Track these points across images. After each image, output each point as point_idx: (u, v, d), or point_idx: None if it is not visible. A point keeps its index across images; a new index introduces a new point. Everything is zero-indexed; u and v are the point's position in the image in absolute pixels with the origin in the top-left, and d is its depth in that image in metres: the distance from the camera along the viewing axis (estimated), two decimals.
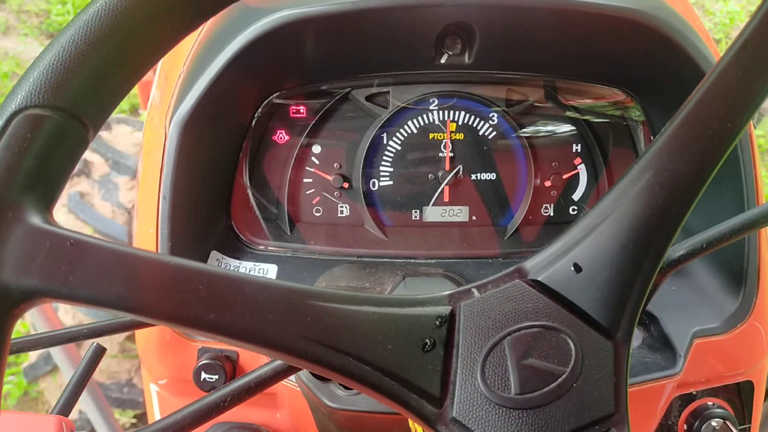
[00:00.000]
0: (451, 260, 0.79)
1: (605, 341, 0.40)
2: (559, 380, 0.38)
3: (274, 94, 0.79)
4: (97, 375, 1.68)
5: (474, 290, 0.41)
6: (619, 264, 0.40)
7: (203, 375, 0.67)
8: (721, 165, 0.70)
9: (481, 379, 0.38)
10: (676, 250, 0.59)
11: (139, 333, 0.73)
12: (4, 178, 0.32)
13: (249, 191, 0.81)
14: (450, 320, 0.39)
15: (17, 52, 3.12)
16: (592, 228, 0.41)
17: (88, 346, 1.56)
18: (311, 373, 0.61)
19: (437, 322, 0.39)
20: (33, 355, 1.75)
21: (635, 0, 0.71)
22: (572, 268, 0.41)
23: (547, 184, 0.83)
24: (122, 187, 1.72)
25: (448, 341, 0.39)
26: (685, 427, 0.69)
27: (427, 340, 0.38)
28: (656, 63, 0.72)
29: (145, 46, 0.37)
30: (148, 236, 0.70)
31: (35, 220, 0.32)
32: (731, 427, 0.68)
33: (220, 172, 0.78)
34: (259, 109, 0.79)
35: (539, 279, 0.41)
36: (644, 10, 0.67)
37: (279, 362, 0.50)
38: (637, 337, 0.71)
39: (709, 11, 3.47)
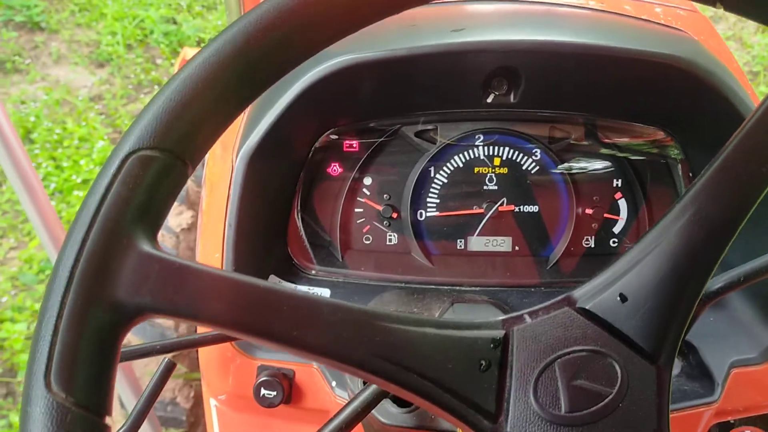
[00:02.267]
0: (495, 288, 0.83)
1: (649, 365, 0.42)
2: (606, 400, 0.41)
3: (330, 130, 0.85)
4: None
5: (526, 316, 0.45)
6: (662, 295, 0.42)
7: (263, 391, 0.72)
8: (761, 205, 0.73)
9: (533, 398, 0.41)
10: (715, 282, 0.62)
11: (203, 352, 0.78)
12: (120, 210, 0.37)
13: (306, 219, 0.86)
14: (504, 343, 0.43)
15: (68, 81, 3.26)
16: (636, 261, 0.44)
17: (137, 367, 1.62)
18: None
19: (492, 345, 0.42)
20: None
21: (674, 45, 0.75)
22: (618, 298, 0.43)
23: (588, 217, 0.87)
24: (172, 213, 1.79)
25: (503, 362, 0.42)
26: None
27: (483, 361, 0.42)
28: (694, 105, 0.75)
29: (235, 96, 0.42)
30: (214, 260, 0.75)
31: (146, 246, 0.37)
32: None
33: (279, 201, 0.83)
34: (316, 144, 0.85)
35: (587, 307, 0.44)
36: (682, 56, 0.71)
37: (367, 393, 0.53)
38: (677, 365, 0.73)
39: (747, 44, 3.47)
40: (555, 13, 0.84)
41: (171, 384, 1.84)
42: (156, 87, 3.21)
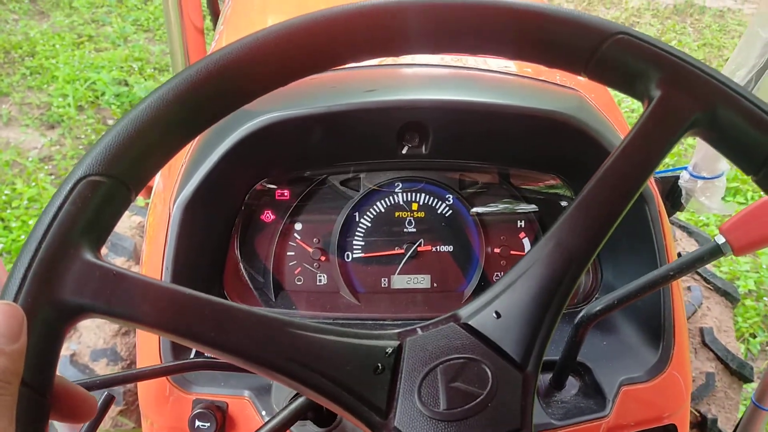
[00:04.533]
0: (416, 322, 0.90)
1: (516, 372, 0.49)
2: (478, 400, 0.47)
3: (262, 180, 0.93)
4: None
5: (418, 329, 0.52)
6: (529, 313, 0.50)
7: (197, 423, 0.77)
8: (638, 240, 0.82)
9: (417, 397, 0.48)
10: (595, 306, 0.71)
11: (141, 387, 0.83)
12: (68, 225, 0.44)
13: (240, 264, 0.93)
14: (398, 351, 0.49)
15: (18, 142, 3.27)
16: (509, 284, 0.51)
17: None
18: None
19: (387, 352, 0.50)
20: None
21: (561, 102, 0.86)
22: (494, 315, 0.50)
23: (497, 255, 0.96)
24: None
25: (395, 367, 0.49)
26: None
27: (378, 365, 0.48)
28: (578, 154, 0.86)
29: (175, 135, 0.50)
30: None
31: (89, 256, 0.44)
32: None
33: (215, 247, 0.90)
34: (249, 193, 0.93)
35: (469, 323, 0.51)
36: (565, 112, 0.82)
37: (286, 413, 0.59)
38: (574, 385, 0.81)
39: None
40: (459, 75, 0.95)
41: None
42: None
